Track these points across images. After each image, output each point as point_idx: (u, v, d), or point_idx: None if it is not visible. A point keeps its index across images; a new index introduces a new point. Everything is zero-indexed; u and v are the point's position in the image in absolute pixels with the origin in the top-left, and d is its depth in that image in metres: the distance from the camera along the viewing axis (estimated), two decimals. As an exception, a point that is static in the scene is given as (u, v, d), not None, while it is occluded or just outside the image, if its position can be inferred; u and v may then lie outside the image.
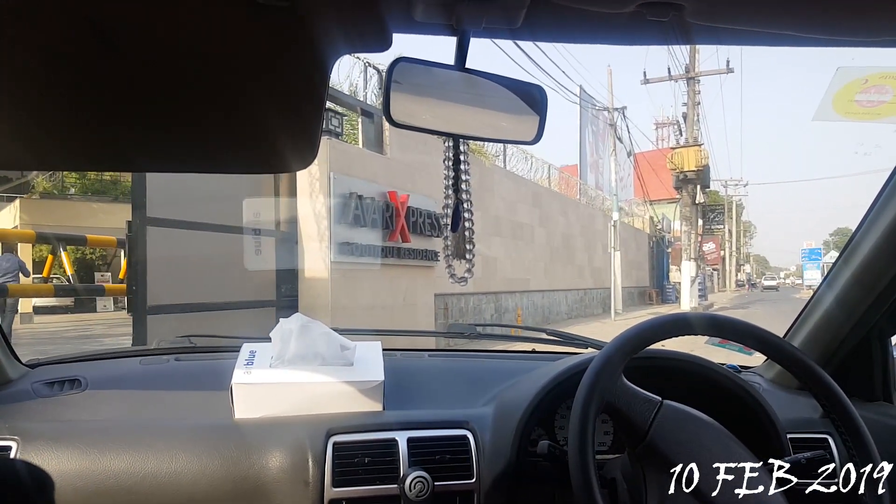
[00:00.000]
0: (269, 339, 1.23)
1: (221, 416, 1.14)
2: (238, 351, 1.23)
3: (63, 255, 5.26)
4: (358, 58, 7.98)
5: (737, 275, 47.17)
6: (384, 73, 0.64)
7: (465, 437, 1.11)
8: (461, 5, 0.51)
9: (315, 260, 7.11)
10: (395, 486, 1.03)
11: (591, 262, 16.55)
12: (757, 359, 1.38)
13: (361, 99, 8.08)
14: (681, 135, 20.00)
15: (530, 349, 1.65)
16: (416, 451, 1.07)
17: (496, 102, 0.68)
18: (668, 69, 19.09)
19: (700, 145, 19.13)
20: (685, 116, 19.53)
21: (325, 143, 7.07)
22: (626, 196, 22.47)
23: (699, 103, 19.55)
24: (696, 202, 19.82)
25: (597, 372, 0.87)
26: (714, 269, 35.81)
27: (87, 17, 0.43)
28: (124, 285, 5.72)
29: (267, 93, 0.53)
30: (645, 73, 19.31)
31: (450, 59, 0.62)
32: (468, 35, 0.58)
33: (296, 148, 0.62)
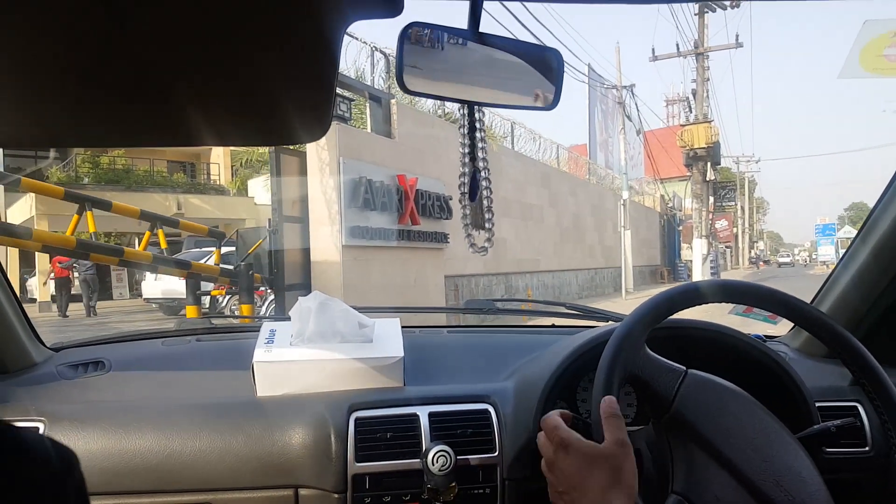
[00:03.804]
0: (288, 319, 1.24)
1: (243, 395, 1.15)
2: (258, 330, 1.24)
3: (87, 214, 5.29)
4: (364, 42, 8.00)
5: (750, 252, 46.66)
6: (397, 40, 0.62)
7: (486, 411, 1.10)
8: None
9: (326, 244, 7.22)
10: (418, 460, 1.03)
11: (602, 242, 16.54)
12: (782, 329, 1.35)
13: (369, 83, 8.10)
14: (690, 111, 19.77)
15: (549, 324, 1.63)
16: (437, 426, 1.07)
17: (511, 68, 0.66)
18: (677, 45, 18.84)
19: (710, 122, 18.88)
20: (694, 93, 19.28)
21: (334, 127, 7.10)
22: (636, 175, 22.30)
23: (708, 79, 19.29)
24: (707, 179, 19.63)
25: (619, 342, 0.85)
26: (727, 247, 35.48)
27: None
28: (146, 253, 5.83)
29: (278, 62, 0.52)
30: (653, 49, 19.07)
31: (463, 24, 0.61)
32: None
33: (308, 118, 0.61)
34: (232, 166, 19.84)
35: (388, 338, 1.23)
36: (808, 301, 1.36)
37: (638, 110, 18.71)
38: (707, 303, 0.90)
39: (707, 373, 0.92)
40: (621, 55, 18.10)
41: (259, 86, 0.56)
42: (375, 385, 1.17)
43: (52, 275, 13.60)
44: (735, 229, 38.87)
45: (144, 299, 13.33)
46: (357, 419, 1.07)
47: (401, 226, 8.02)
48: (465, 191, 0.77)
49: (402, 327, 1.29)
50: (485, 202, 0.79)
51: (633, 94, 17.64)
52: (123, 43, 0.48)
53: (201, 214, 15.97)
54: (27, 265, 15.93)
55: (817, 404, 1.03)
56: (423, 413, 1.08)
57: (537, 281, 12.25)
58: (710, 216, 20.80)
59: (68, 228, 5.24)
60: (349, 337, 1.20)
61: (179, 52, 0.50)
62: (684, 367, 0.91)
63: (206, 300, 7.51)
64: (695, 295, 0.90)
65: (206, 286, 6.82)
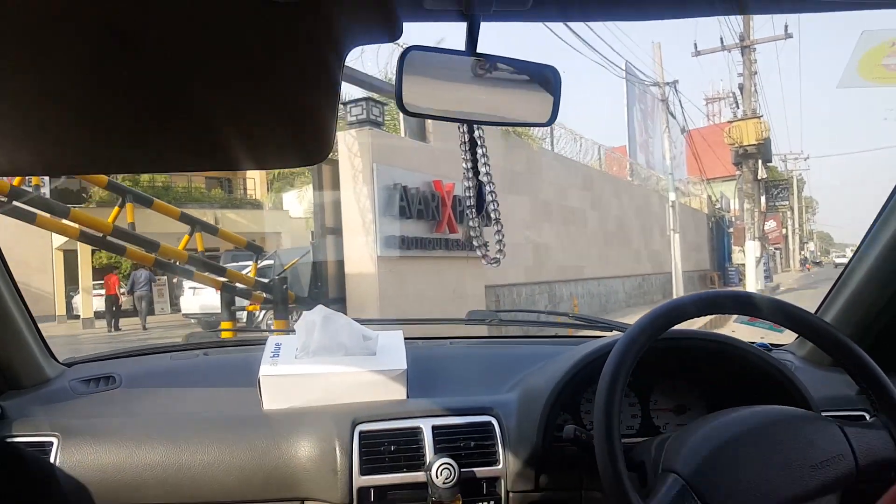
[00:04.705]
0: (293, 332, 1.25)
1: (250, 408, 1.17)
2: (264, 344, 1.25)
3: (128, 206, 5.50)
4: (397, 44, 7.68)
5: (800, 253, 44.97)
6: (396, 63, 0.62)
7: (489, 424, 1.11)
8: None
9: (361, 255, 6.96)
10: (422, 472, 1.04)
11: (649, 246, 15.84)
12: (789, 336, 1.33)
13: (402, 86, 7.77)
14: (738, 107, 19.02)
15: (553, 334, 1.64)
16: (441, 438, 1.07)
17: (509, 85, 0.67)
18: (721, 39, 18.10)
19: (759, 117, 18.14)
20: (742, 88, 18.53)
21: (366, 133, 6.84)
22: (679, 175, 21.48)
23: (756, 73, 18.49)
24: (759, 178, 18.83)
25: (622, 353, 0.86)
26: (776, 248, 34.11)
27: (102, 17, 0.44)
28: (182, 252, 5.89)
29: (281, 88, 0.54)
30: (696, 44, 18.34)
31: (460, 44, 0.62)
32: (478, 20, 0.58)
33: (311, 142, 0.64)
34: (268, 180, 20.06)
35: (392, 350, 1.24)
36: (824, 297, 1.35)
37: (682, 108, 17.96)
38: (711, 314, 0.90)
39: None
40: (657, 52, 17.40)
41: (264, 112, 0.58)
42: (379, 397, 1.18)
43: (105, 292, 14.38)
44: (784, 230, 37.47)
45: (183, 314, 13.50)
46: (361, 432, 1.08)
47: (438, 234, 7.65)
48: (472, 203, 0.79)
49: (406, 339, 1.29)
50: (492, 214, 0.81)
51: (676, 90, 16.87)
52: (127, 73, 0.50)
53: (237, 228, 16.04)
54: (72, 283, 16.34)
55: (824, 414, 0.99)
56: (426, 426, 1.09)
57: (582, 289, 11.65)
58: (763, 217, 19.98)
59: (109, 217, 5.33)
60: (353, 350, 1.21)
61: (185, 81, 0.52)
62: (673, 471, 0.84)
63: (242, 315, 7.47)
64: (697, 307, 0.89)
65: (242, 302, 6.84)
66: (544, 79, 0.67)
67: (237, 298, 6.66)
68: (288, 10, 0.45)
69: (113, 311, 14.14)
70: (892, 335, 1.23)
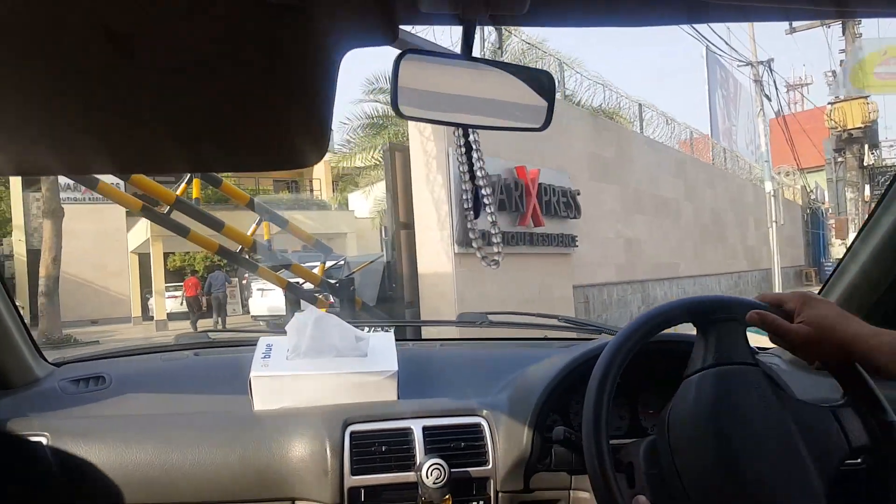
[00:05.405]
0: (284, 333, 1.26)
1: (241, 409, 1.17)
2: (254, 345, 1.26)
3: (195, 182, 5.52)
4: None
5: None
6: (392, 67, 0.61)
7: (479, 425, 1.12)
8: None
9: (435, 252, 6.26)
10: (412, 473, 1.05)
11: (745, 241, 14.48)
12: None
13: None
14: (838, 87, 17.26)
15: (542, 336, 1.68)
16: (431, 439, 1.09)
17: (504, 90, 0.67)
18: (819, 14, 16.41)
19: (866, 97, 16.36)
20: (843, 65, 16.76)
21: (440, 114, 6.13)
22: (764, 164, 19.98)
23: (861, 48, 16.67)
24: (864, 164, 17.03)
25: (611, 357, 0.87)
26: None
27: (98, 19, 0.45)
28: (248, 236, 5.70)
29: (277, 91, 0.55)
30: (790, 22, 16.70)
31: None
32: (474, 24, 0.58)
33: (306, 143, 0.64)
34: (333, 182, 19.94)
35: (383, 352, 1.25)
36: (820, 289, 1.38)
37: (777, 89, 16.31)
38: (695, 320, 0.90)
39: None
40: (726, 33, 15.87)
41: (260, 115, 0.59)
42: (370, 398, 1.19)
43: (184, 294, 15.23)
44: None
45: (252, 316, 13.60)
46: (352, 433, 1.09)
47: (522, 227, 6.83)
48: (470, 207, 0.59)
49: (396, 340, 1.31)
50: (489, 217, 0.56)
51: (770, 70, 15.28)
52: (126, 75, 0.51)
53: (304, 230, 15.89)
54: (147, 286, 16.69)
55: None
56: (416, 427, 1.10)
57: (677, 288, 10.50)
58: (867, 207, 18.15)
59: (179, 189, 5.20)
60: (344, 351, 1.22)
61: (182, 83, 0.53)
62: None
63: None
64: (684, 311, 0.90)
65: (306, 306, 6.34)
66: (539, 83, 0.67)
67: (303, 303, 6.33)
68: (283, 12, 0.45)
69: (196, 313, 14.87)
70: (892, 324, 1.17)
